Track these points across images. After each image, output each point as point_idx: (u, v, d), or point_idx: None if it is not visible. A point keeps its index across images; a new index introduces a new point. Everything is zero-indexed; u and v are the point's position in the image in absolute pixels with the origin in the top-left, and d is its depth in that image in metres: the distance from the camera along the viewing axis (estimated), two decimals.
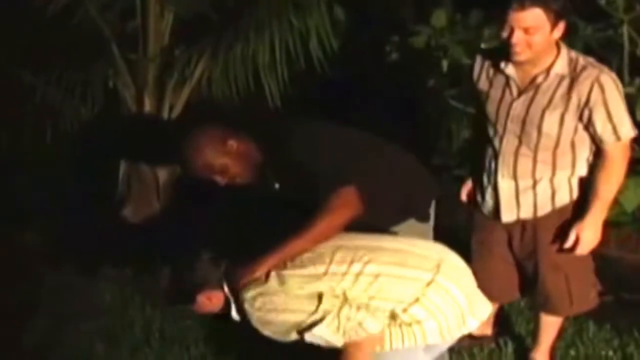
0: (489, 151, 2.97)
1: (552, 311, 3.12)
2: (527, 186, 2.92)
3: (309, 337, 2.50)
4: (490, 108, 2.94)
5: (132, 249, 4.18)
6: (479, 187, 3.08)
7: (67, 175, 4.84)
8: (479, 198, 3.09)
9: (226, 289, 2.64)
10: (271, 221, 2.84)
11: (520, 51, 2.74)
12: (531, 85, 2.84)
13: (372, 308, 2.48)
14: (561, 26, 2.73)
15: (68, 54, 4.57)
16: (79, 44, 4.60)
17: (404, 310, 2.49)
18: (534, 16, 2.67)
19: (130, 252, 4.15)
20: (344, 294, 2.48)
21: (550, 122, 2.81)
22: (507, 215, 2.98)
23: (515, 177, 2.92)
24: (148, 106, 4.70)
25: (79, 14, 4.50)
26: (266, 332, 2.57)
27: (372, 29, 5.12)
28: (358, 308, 2.46)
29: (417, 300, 2.49)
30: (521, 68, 2.84)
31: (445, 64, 4.49)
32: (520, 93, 2.86)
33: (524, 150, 2.88)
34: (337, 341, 2.48)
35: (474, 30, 4.53)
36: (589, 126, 2.80)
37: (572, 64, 2.80)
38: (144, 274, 3.98)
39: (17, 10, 4.50)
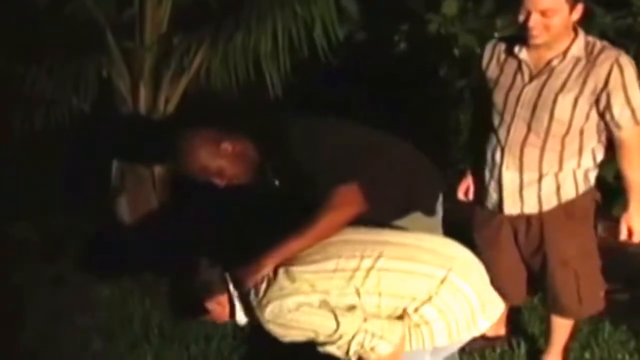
0: (493, 142, 2.98)
1: (561, 312, 3.13)
2: (532, 179, 2.93)
3: (319, 348, 2.54)
4: (499, 95, 2.95)
5: (129, 250, 4.17)
6: (481, 181, 3.09)
7: (58, 168, 4.83)
8: (482, 192, 3.10)
9: (231, 289, 2.62)
10: (271, 219, 2.85)
11: (538, 34, 2.76)
12: (545, 69, 2.85)
13: (386, 329, 2.47)
14: (579, 8, 2.74)
15: (60, 41, 4.54)
16: (71, 31, 4.56)
17: (416, 310, 2.49)
18: None
19: (126, 252, 4.14)
20: (357, 291, 2.47)
21: (564, 106, 2.82)
22: (510, 208, 2.98)
23: (520, 168, 2.92)
24: (143, 97, 4.65)
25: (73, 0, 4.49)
26: (279, 336, 2.56)
27: (379, 17, 5.09)
28: (373, 335, 2.46)
29: (430, 298, 2.49)
30: (536, 52, 2.85)
31: (456, 53, 4.48)
32: (532, 78, 2.88)
33: (532, 139, 2.88)
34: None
35: (486, 19, 4.53)
36: (605, 111, 2.82)
37: (589, 46, 2.83)
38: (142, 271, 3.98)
39: None
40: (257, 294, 2.55)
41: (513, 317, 3.47)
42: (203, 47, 4.53)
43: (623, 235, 2.94)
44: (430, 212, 2.95)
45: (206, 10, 4.62)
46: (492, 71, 3.01)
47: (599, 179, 3.03)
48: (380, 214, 2.74)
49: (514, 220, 3.04)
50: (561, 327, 3.20)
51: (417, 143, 3.00)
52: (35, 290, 3.93)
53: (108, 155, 4.77)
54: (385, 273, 2.50)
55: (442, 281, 2.50)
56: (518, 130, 2.91)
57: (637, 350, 3.40)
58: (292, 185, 2.82)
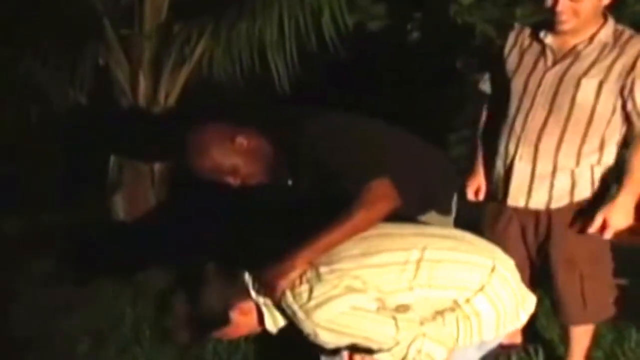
0: (506, 132, 2.94)
1: (564, 316, 3.07)
2: (545, 172, 2.88)
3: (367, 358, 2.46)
4: (518, 80, 2.92)
5: (122, 248, 4.11)
6: (491, 174, 3.06)
7: (52, 162, 4.81)
8: (492, 185, 3.07)
9: (254, 294, 2.47)
10: (286, 219, 2.77)
11: (567, 19, 2.75)
12: (570, 53, 2.83)
13: (442, 332, 2.42)
14: None
15: (55, 28, 4.49)
16: (67, 18, 4.51)
17: (467, 301, 2.44)
18: None
19: (122, 252, 4.07)
20: (410, 285, 2.40)
21: (587, 91, 2.79)
22: (515, 199, 2.95)
23: (534, 159, 2.88)
24: (142, 88, 4.63)
25: None
26: (325, 342, 2.43)
27: (391, 4, 5.04)
28: (430, 340, 2.40)
29: (482, 288, 2.45)
30: (561, 38, 2.83)
31: (473, 42, 4.43)
32: (555, 63, 2.86)
33: (550, 127, 2.85)
34: None
35: (505, 8, 4.48)
36: (627, 99, 2.78)
37: (618, 33, 2.81)
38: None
39: None
40: (296, 296, 2.39)
41: (530, 323, 3.38)
42: (205, 36, 4.50)
43: (595, 227, 2.83)
44: (446, 211, 2.90)
45: None
46: (512, 58, 2.98)
47: None
48: (404, 211, 2.64)
49: (522, 216, 3.00)
50: (580, 335, 3.13)
51: (431, 140, 2.94)
52: (21, 288, 3.88)
53: (106, 150, 4.74)
54: (436, 264, 2.44)
55: (492, 270, 2.47)
56: (537, 116, 2.86)
57: None
58: (307, 184, 2.71)
